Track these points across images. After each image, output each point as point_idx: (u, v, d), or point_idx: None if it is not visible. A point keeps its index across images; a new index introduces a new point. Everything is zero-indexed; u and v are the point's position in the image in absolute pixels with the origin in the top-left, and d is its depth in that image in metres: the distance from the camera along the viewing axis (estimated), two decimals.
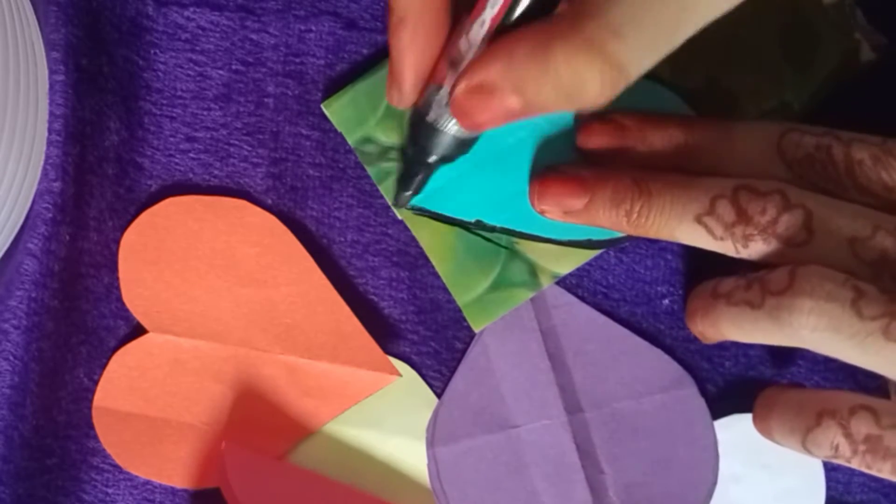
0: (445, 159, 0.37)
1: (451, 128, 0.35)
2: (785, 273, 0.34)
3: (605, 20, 0.29)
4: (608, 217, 0.37)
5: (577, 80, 0.29)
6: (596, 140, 0.39)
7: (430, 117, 0.35)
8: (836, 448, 0.35)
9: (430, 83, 0.35)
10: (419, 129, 0.36)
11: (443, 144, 0.36)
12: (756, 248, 0.35)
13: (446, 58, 0.34)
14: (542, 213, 0.39)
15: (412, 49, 0.34)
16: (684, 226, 0.36)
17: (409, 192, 0.39)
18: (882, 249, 0.34)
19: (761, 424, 0.39)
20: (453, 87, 0.33)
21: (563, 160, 0.40)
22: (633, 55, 0.29)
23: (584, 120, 0.39)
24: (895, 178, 0.35)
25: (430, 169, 0.38)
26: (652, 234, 0.37)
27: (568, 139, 0.40)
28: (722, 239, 0.35)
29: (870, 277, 0.33)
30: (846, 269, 0.33)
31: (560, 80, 0.29)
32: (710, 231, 0.35)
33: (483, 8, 0.32)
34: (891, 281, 0.33)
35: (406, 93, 0.35)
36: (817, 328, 0.33)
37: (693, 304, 0.38)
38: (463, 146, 0.36)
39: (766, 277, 0.35)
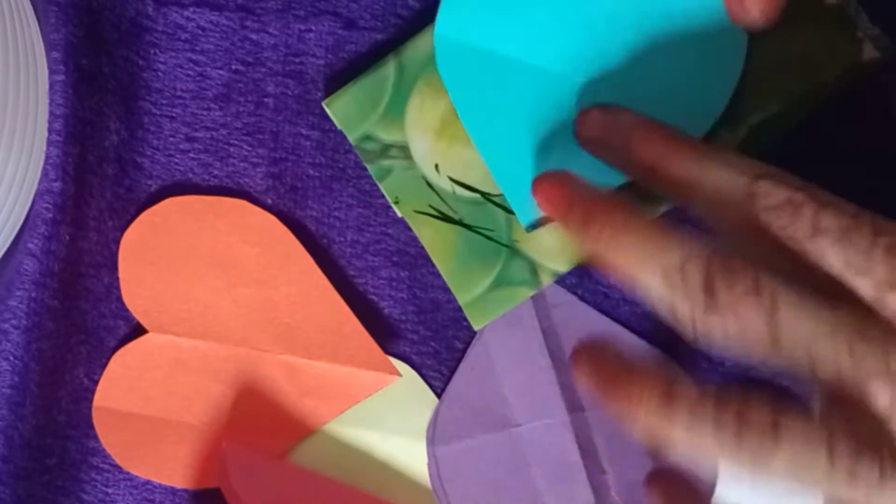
0: None
1: None
2: (768, 420, 0.31)
3: None
4: (576, 229, 0.35)
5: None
6: (592, 129, 0.37)
7: None
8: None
9: None
10: None
11: None
12: (713, 323, 0.32)
13: None
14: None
15: None
16: (646, 273, 0.33)
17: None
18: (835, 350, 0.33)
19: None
20: None
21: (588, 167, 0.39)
22: None
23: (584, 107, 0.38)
24: (851, 259, 0.32)
25: None
26: (612, 266, 0.34)
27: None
28: (683, 299, 0.32)
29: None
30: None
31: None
32: (670, 288, 0.33)
33: None
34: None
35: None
36: (793, 473, 0.31)
37: (630, 391, 0.33)
38: None
39: (747, 417, 0.31)
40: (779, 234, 0.33)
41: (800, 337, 0.31)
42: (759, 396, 0.31)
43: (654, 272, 0.33)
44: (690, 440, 0.31)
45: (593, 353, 0.35)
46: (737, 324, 0.32)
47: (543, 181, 0.37)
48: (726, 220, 0.34)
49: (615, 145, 0.37)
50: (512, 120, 0.40)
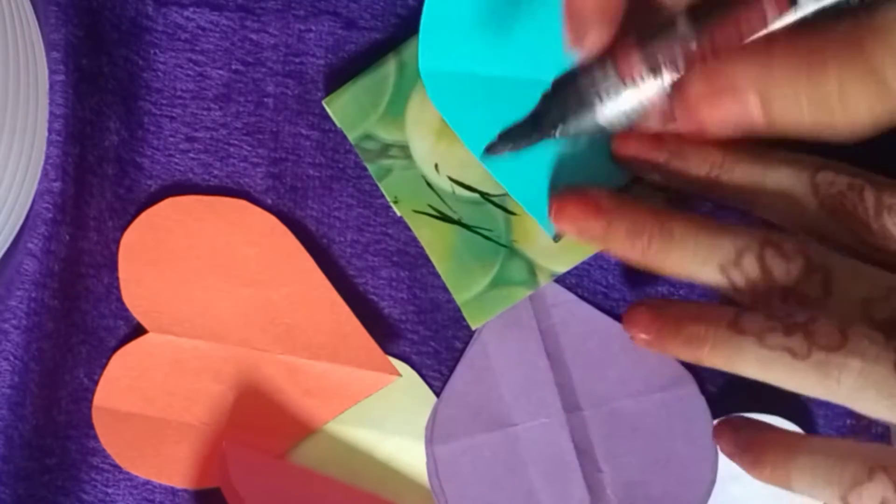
0: (565, 136, 0.34)
1: (603, 112, 0.33)
2: (835, 330, 0.33)
3: (892, 40, 0.27)
4: (623, 248, 0.36)
5: (843, 98, 0.27)
6: (633, 147, 0.37)
7: (586, 90, 0.33)
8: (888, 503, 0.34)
9: (604, 56, 0.33)
10: (566, 97, 0.34)
11: (582, 124, 0.34)
12: (774, 305, 0.34)
13: (634, 42, 0.32)
14: (558, 232, 0.39)
15: None
16: (707, 270, 0.34)
17: (508, 148, 0.37)
18: (893, 310, 0.33)
19: (776, 472, 0.36)
20: (682, 79, 0.30)
21: (591, 169, 0.40)
22: None
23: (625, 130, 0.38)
24: None
25: (542, 137, 0.35)
26: (667, 272, 0.36)
27: (599, 151, 0.40)
28: (741, 291, 0.34)
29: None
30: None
31: (823, 93, 0.28)
32: (732, 282, 0.34)
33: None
34: None
35: (598, 34, 0.32)
36: (863, 388, 0.32)
37: (697, 335, 0.35)
38: (595, 133, 0.34)
39: (813, 328, 0.33)
40: (844, 219, 0.34)
41: (855, 302, 0.33)
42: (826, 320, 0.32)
43: (712, 271, 0.34)
44: (760, 356, 0.33)
45: (650, 306, 0.36)
46: (796, 299, 0.33)
47: (564, 205, 0.37)
48: (791, 216, 0.35)
49: (664, 157, 0.37)
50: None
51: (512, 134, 0.37)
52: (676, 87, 0.31)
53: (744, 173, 0.36)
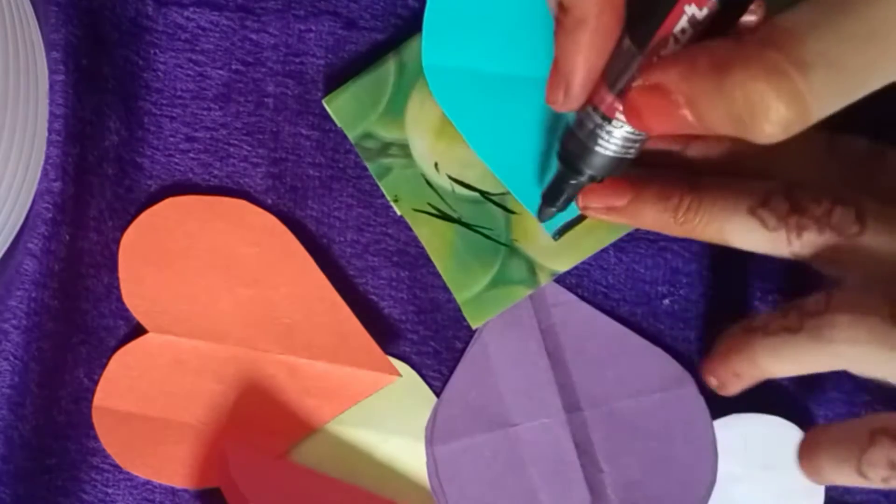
0: (594, 178, 0.36)
1: (606, 148, 0.35)
2: (822, 295, 0.34)
3: (792, 52, 0.27)
4: (654, 213, 0.37)
5: (749, 108, 0.28)
6: (652, 141, 0.38)
7: (587, 140, 0.35)
8: (894, 465, 0.35)
9: (586, 104, 0.35)
10: (572, 148, 0.36)
11: (595, 164, 0.35)
12: (809, 239, 0.34)
13: (605, 77, 0.33)
14: (584, 209, 0.39)
15: (590, 50, 0.32)
16: (736, 218, 0.35)
17: (555, 209, 0.38)
18: None
19: (810, 466, 0.37)
20: (628, 85, 0.32)
21: None
22: (818, 96, 0.28)
23: None
24: None
25: (579, 186, 0.37)
26: (699, 232, 0.36)
27: None
28: (775, 230, 0.35)
29: None
30: None
31: (733, 104, 0.28)
32: (763, 222, 0.35)
33: (674, 22, 0.31)
34: None
35: (575, 95, 0.34)
36: (857, 341, 0.33)
37: (724, 345, 0.37)
38: (616, 167, 0.36)
39: (803, 302, 0.34)
40: (865, 182, 0.36)
41: (889, 221, 0.33)
42: None
43: (742, 217, 0.35)
44: (767, 346, 0.35)
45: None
46: (832, 230, 0.34)
47: (592, 184, 0.38)
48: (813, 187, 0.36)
49: (683, 145, 0.38)
50: (517, 135, 0.40)
51: (550, 198, 0.38)
52: (623, 93, 0.32)
53: (761, 148, 0.37)
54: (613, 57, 0.33)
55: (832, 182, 0.36)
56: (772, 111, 0.28)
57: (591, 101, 0.34)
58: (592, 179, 0.36)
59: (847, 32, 0.27)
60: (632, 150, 0.35)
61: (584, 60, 0.33)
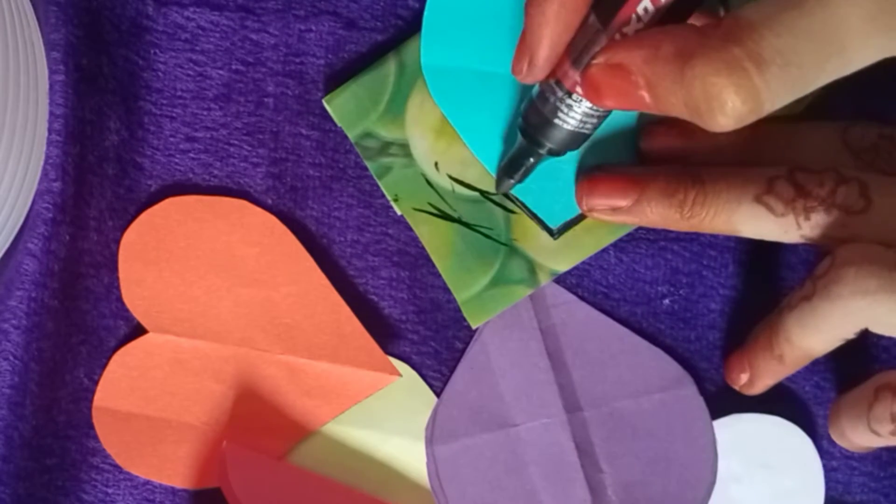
0: (553, 152, 0.37)
1: (566, 122, 0.35)
2: (828, 258, 0.35)
3: (752, 48, 0.28)
4: (660, 210, 0.37)
5: (706, 100, 0.29)
6: (661, 140, 0.39)
7: (547, 113, 0.36)
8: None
9: (549, 77, 0.35)
10: (533, 120, 0.36)
11: (555, 138, 0.36)
12: (817, 220, 0.35)
13: (569, 52, 0.34)
14: (589, 211, 0.39)
15: (556, 22, 0.33)
16: (743, 208, 0.36)
17: (513, 181, 0.39)
18: None
19: (835, 430, 0.40)
20: (590, 61, 0.33)
21: (613, 160, 0.40)
22: (772, 91, 0.29)
23: (649, 122, 0.40)
24: None
25: (537, 161, 0.38)
26: (706, 225, 0.37)
27: (620, 141, 0.41)
28: (783, 215, 0.35)
29: None
30: None
31: (691, 93, 0.29)
32: (770, 209, 0.35)
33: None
34: None
35: (538, 66, 0.35)
36: (868, 291, 0.33)
37: (763, 332, 0.39)
38: (573, 141, 0.36)
39: (813, 270, 0.35)
40: (881, 166, 0.37)
41: (894, 195, 0.35)
42: None
43: (749, 205, 0.36)
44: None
45: None
46: (838, 209, 0.35)
47: (596, 182, 0.39)
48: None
49: (694, 144, 0.38)
50: (515, 135, 0.40)
51: (509, 170, 0.39)
52: (586, 70, 0.33)
53: (778, 140, 0.38)
54: (578, 32, 0.34)
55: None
56: (728, 105, 0.29)
57: (553, 75, 0.35)
58: (551, 153, 0.37)
59: (801, 30, 0.28)
60: (589, 125, 0.36)
61: (550, 33, 0.34)
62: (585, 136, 0.37)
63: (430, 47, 0.40)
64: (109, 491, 0.43)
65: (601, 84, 0.32)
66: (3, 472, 0.40)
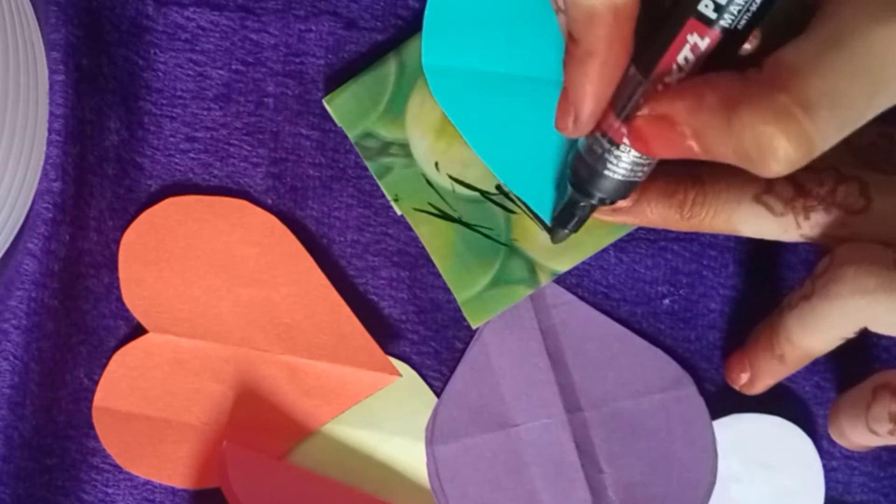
0: (604, 201, 0.37)
1: (615, 172, 0.35)
2: (827, 257, 0.35)
3: (799, 94, 0.28)
4: (660, 211, 0.37)
5: (758, 147, 0.29)
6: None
7: (597, 165, 0.35)
8: (894, 417, 0.36)
9: (595, 130, 0.35)
10: (582, 173, 0.36)
11: (605, 188, 0.36)
12: (817, 220, 0.35)
13: (612, 104, 0.34)
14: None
15: (599, 81, 0.33)
16: (743, 207, 0.36)
17: (567, 231, 0.39)
18: None
19: (834, 429, 0.40)
20: (634, 111, 0.32)
21: None
22: (822, 132, 0.28)
23: None
24: None
25: (590, 210, 0.38)
26: (707, 225, 0.37)
27: None
28: (783, 215, 0.35)
29: None
30: None
31: (741, 142, 0.29)
32: (770, 208, 0.35)
33: (677, 52, 0.31)
34: None
35: (583, 123, 0.34)
36: (867, 290, 0.33)
37: (763, 331, 0.39)
38: (625, 189, 0.36)
39: (813, 270, 0.35)
40: (880, 164, 0.36)
41: (893, 194, 0.35)
42: None
43: (749, 205, 0.36)
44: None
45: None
46: (838, 208, 0.35)
47: None
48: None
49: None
50: (517, 135, 0.40)
51: (562, 221, 0.39)
52: (631, 122, 0.33)
53: None
54: (620, 84, 0.33)
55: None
56: (780, 151, 0.28)
57: (598, 127, 0.35)
58: (602, 202, 0.37)
59: (845, 69, 0.28)
60: (640, 173, 0.36)
61: (593, 90, 0.33)
62: (636, 184, 0.36)
63: (431, 47, 0.40)
64: (109, 491, 0.43)
65: (648, 136, 0.32)
66: (3, 472, 0.40)
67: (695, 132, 0.30)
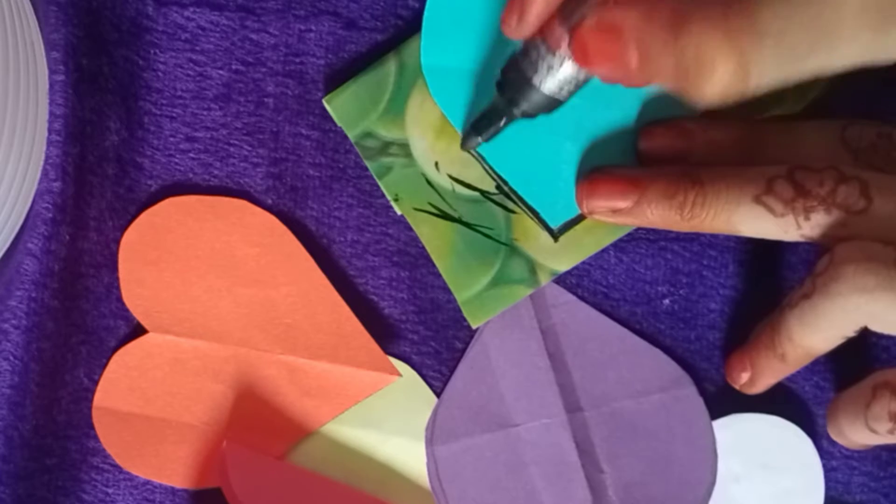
0: (527, 115, 0.37)
1: (545, 85, 0.35)
2: (827, 255, 0.35)
3: (752, 19, 0.29)
4: (660, 212, 0.37)
5: (698, 64, 0.29)
6: (659, 140, 0.39)
7: (527, 70, 0.35)
8: (894, 416, 0.36)
9: (535, 36, 0.35)
10: (512, 79, 0.36)
11: (532, 100, 0.36)
12: (817, 220, 0.35)
13: (559, 10, 0.34)
14: (589, 213, 0.39)
15: None
16: (743, 208, 0.36)
17: (480, 138, 0.38)
18: None
19: (833, 428, 0.40)
20: (580, 21, 0.32)
21: (613, 162, 0.40)
22: (761, 67, 0.29)
23: (648, 123, 0.40)
24: None
25: (509, 121, 0.37)
26: (707, 226, 0.37)
27: (620, 142, 0.40)
28: (783, 215, 0.35)
29: None
30: None
31: (683, 57, 0.29)
32: (770, 209, 0.35)
33: None
34: None
35: (528, 23, 0.34)
36: (866, 289, 0.33)
37: (765, 330, 0.39)
38: (548, 106, 0.36)
39: (813, 268, 0.35)
40: (880, 165, 0.37)
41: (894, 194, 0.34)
42: None
43: (749, 206, 0.36)
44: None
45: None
46: (838, 208, 0.35)
47: (596, 184, 0.39)
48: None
49: (693, 144, 0.38)
50: (516, 135, 0.40)
51: (478, 126, 0.38)
52: (574, 26, 0.33)
53: (776, 140, 0.38)
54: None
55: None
56: (718, 72, 0.29)
57: (540, 32, 0.35)
58: (525, 115, 0.37)
59: (798, 13, 0.29)
60: (565, 91, 0.36)
61: None
62: (559, 103, 0.36)
63: (430, 48, 0.40)
64: (109, 491, 0.43)
65: (590, 43, 0.32)
66: (3, 472, 0.40)
67: (639, 43, 0.31)
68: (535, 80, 0.35)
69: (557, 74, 0.35)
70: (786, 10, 0.29)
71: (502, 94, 0.37)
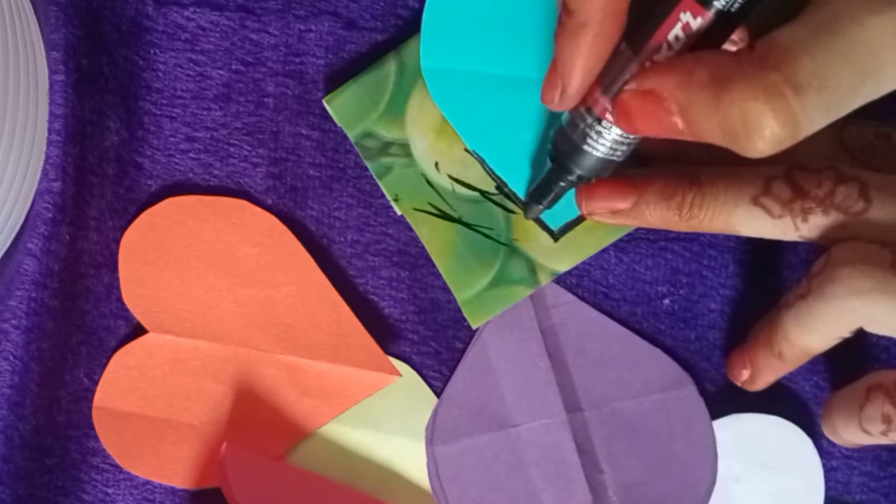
0: (583, 179, 0.37)
1: (596, 149, 0.35)
2: (823, 256, 0.35)
3: (790, 73, 0.28)
4: (659, 213, 0.37)
5: (745, 125, 0.29)
6: (659, 141, 0.39)
7: (578, 140, 0.36)
8: (888, 418, 0.36)
9: (580, 104, 0.35)
10: (563, 147, 0.36)
11: (585, 164, 0.36)
12: (816, 222, 0.35)
13: (599, 79, 0.34)
14: (589, 215, 0.39)
15: (589, 55, 0.33)
16: (741, 209, 0.36)
17: (542, 207, 0.39)
18: None
19: (828, 427, 0.40)
20: (621, 87, 0.32)
21: None
22: (809, 113, 0.29)
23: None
24: None
25: (567, 187, 0.38)
26: (706, 226, 0.37)
27: None
28: (780, 217, 0.35)
29: None
30: None
31: (728, 119, 0.29)
32: (767, 211, 0.35)
33: (670, 28, 0.32)
34: None
35: (570, 97, 0.34)
36: (862, 291, 0.33)
37: (763, 329, 0.39)
38: (604, 168, 0.36)
39: (810, 269, 0.35)
40: (877, 165, 0.37)
41: (894, 196, 0.34)
42: None
43: (747, 208, 0.36)
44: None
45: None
46: (837, 210, 0.35)
47: (595, 187, 0.39)
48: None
49: (697, 150, 0.38)
50: (515, 136, 0.40)
51: (537, 196, 0.39)
52: (616, 97, 0.33)
53: None
54: (609, 60, 0.34)
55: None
56: (766, 130, 0.29)
57: (584, 102, 0.35)
58: (581, 179, 0.37)
59: (837, 52, 0.28)
60: (619, 153, 0.36)
61: (583, 64, 0.33)
62: (616, 163, 0.37)
63: (430, 49, 0.40)
64: (109, 491, 0.43)
65: (633, 111, 0.32)
66: (3, 472, 0.40)
67: (681, 108, 0.31)
68: (587, 147, 0.36)
69: (608, 139, 0.35)
70: (823, 54, 0.28)
71: (556, 163, 0.37)
